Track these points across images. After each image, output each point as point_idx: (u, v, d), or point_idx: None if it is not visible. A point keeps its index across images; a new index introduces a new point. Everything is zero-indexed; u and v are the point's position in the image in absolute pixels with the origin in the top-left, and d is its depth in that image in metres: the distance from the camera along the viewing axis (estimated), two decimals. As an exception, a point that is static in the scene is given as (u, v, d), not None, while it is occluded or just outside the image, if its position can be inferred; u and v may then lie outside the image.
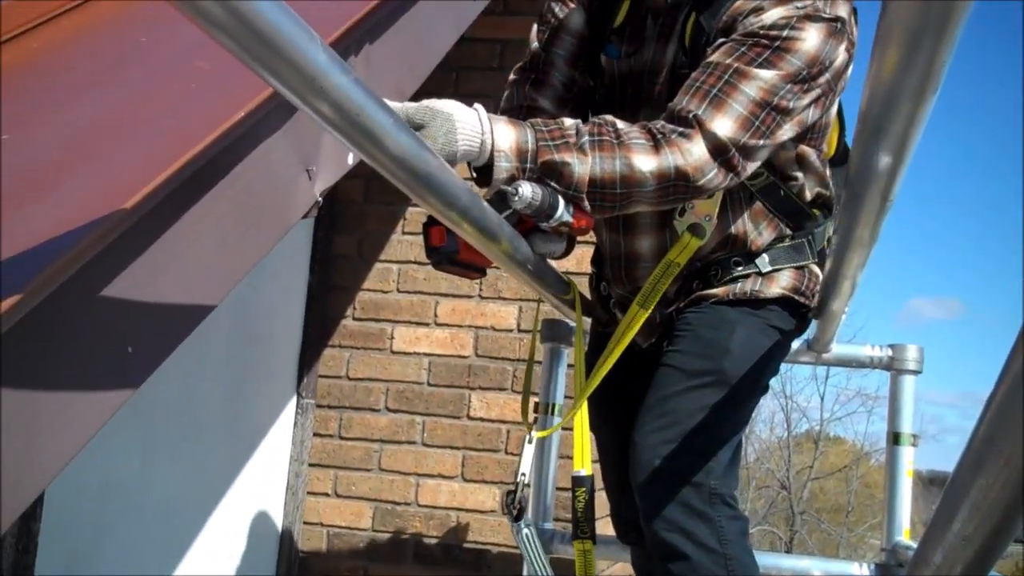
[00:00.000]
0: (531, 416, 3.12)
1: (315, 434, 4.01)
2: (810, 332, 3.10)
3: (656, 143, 1.79)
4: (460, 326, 3.97)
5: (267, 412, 3.88)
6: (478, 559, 3.81)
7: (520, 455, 2.53)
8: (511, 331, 3.93)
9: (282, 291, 3.93)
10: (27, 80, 1.48)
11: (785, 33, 1.85)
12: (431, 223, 1.95)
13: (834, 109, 2.11)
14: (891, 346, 3.20)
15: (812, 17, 1.86)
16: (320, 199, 1.71)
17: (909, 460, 3.11)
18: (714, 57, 1.88)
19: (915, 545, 2.64)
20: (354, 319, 4.06)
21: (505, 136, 1.71)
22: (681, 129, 1.81)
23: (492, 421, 3.90)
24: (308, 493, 3.99)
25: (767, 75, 1.83)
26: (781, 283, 2.11)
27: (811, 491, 21.89)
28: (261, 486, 3.82)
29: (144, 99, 1.41)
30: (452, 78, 4.11)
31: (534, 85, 2.20)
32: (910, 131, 1.16)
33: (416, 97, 2.11)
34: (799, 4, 1.87)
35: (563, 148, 1.74)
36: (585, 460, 2.21)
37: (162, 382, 1.76)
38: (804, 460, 22.09)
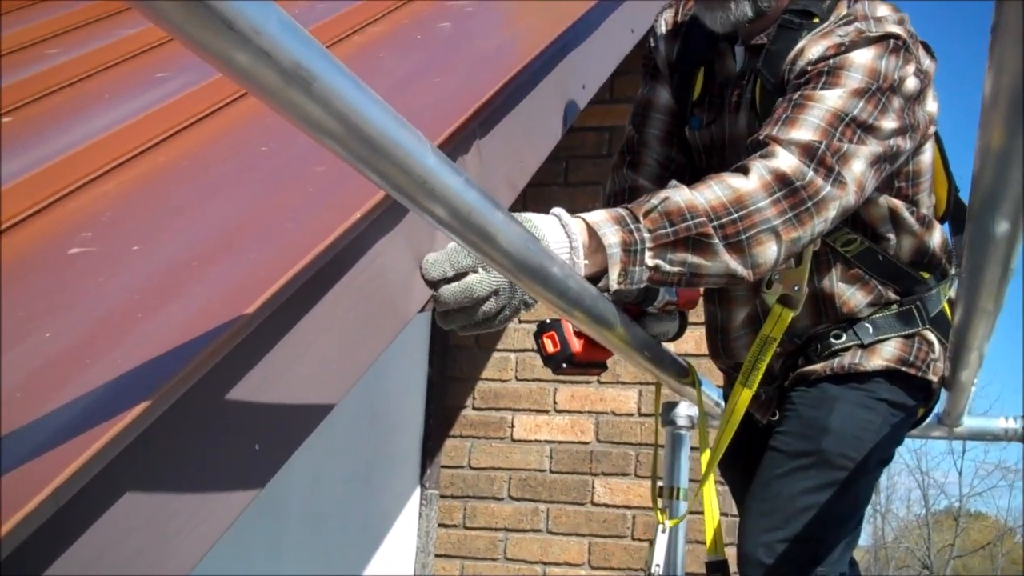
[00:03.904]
0: (659, 503, 3.08)
1: (440, 524, 4.02)
2: (940, 406, 3.01)
3: (741, 168, 1.70)
4: (580, 412, 3.96)
5: (392, 504, 3.91)
6: (608, 649, 3.75)
7: (652, 545, 2.48)
8: (632, 415, 3.90)
9: (402, 383, 3.99)
10: (159, 189, 1.56)
11: (834, 60, 1.80)
12: (541, 332, 1.95)
13: (927, 156, 2.03)
14: (1027, 417, 3.08)
15: (858, 42, 1.81)
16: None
17: (1057, 536, 2.97)
18: (779, 101, 1.85)
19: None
20: (474, 408, 4.09)
21: (597, 214, 1.59)
22: (760, 151, 1.72)
23: (617, 507, 3.85)
24: (435, 585, 4.00)
25: (833, 94, 1.76)
26: (884, 355, 2.01)
27: (954, 569, 20.92)
28: (388, 579, 3.84)
29: (266, 204, 1.47)
30: (562, 168, 4.16)
31: (631, 167, 2.21)
32: (1027, 197, 1.13)
33: (526, 190, 2.15)
34: (841, 33, 1.84)
35: (654, 194, 1.64)
36: (719, 544, 2.17)
37: (288, 477, 1.79)
38: (945, 538, 21.17)
